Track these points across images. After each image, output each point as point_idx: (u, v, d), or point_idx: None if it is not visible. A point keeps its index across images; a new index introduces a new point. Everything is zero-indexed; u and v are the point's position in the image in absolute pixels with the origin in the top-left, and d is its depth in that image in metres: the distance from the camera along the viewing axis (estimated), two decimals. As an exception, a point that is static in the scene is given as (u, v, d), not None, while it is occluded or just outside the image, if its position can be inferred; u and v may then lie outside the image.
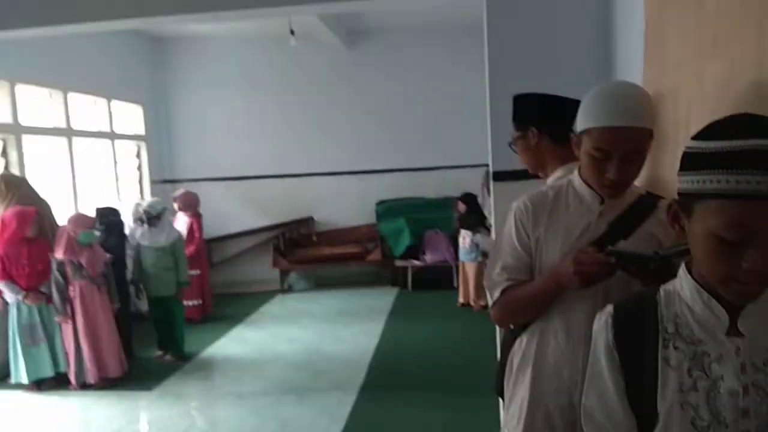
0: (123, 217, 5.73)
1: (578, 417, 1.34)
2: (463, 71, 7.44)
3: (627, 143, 1.37)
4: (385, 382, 4.55)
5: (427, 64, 7.81)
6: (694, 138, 0.95)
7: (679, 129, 1.67)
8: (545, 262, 1.49)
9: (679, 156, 0.97)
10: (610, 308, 1.09)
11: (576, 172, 1.54)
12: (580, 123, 1.44)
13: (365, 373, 4.71)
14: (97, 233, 4.80)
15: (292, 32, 6.20)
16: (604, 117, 1.37)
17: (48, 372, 4.57)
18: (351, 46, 7.90)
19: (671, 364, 1.00)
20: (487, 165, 3.32)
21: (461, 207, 6.49)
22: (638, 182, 1.95)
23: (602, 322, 1.09)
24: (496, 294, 1.54)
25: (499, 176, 3.06)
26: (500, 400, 1.79)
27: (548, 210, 1.51)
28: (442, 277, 7.25)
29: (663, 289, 1.06)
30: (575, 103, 1.50)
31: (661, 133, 1.88)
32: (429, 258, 7.39)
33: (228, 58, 7.96)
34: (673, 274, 1.07)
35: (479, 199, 6.54)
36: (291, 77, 7.96)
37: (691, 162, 0.94)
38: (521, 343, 1.57)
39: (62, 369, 4.61)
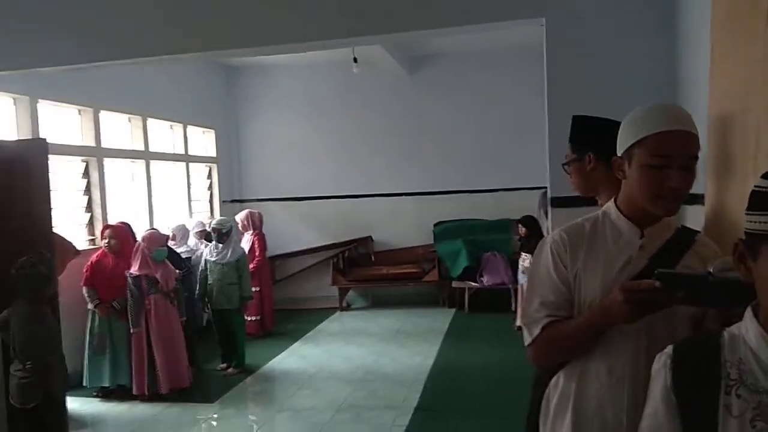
0: (186, 235, 6.13)
1: None
2: (522, 94, 7.44)
3: (687, 147, 1.35)
4: (440, 404, 4.57)
5: (487, 88, 7.86)
6: (765, 176, 0.93)
7: (748, 161, 1.63)
8: (585, 298, 1.43)
9: (747, 189, 0.96)
10: (669, 349, 1.05)
11: (611, 203, 1.50)
12: (628, 138, 1.40)
13: (420, 394, 4.75)
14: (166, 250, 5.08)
15: (355, 60, 6.41)
16: (662, 122, 1.35)
17: (105, 382, 4.83)
18: (412, 72, 8.07)
19: (733, 413, 0.95)
20: (545, 187, 3.34)
21: (522, 230, 6.46)
22: (704, 212, 1.94)
23: (661, 363, 1.05)
24: (536, 331, 1.45)
25: (558, 202, 3.07)
26: None
27: (585, 243, 1.46)
28: (499, 300, 7.20)
29: (727, 332, 1.01)
30: None
31: (727, 162, 1.85)
32: (487, 280, 7.36)
33: (294, 85, 8.30)
34: (726, 303, 1.04)
35: (540, 223, 6.48)
36: (353, 102, 8.20)
37: (759, 201, 0.91)
38: (558, 383, 1.50)
39: (122, 381, 4.84)
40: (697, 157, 1.38)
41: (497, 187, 7.87)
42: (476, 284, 7.40)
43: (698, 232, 1.49)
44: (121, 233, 5.04)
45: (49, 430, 3.27)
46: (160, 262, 4.88)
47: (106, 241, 4.94)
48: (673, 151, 1.34)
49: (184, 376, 4.90)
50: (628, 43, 3.02)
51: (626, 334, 1.36)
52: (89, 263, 4.92)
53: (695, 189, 2.68)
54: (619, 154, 1.45)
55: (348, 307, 8.08)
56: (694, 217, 2.60)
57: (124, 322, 4.83)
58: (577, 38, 3.08)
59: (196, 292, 5.49)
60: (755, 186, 0.94)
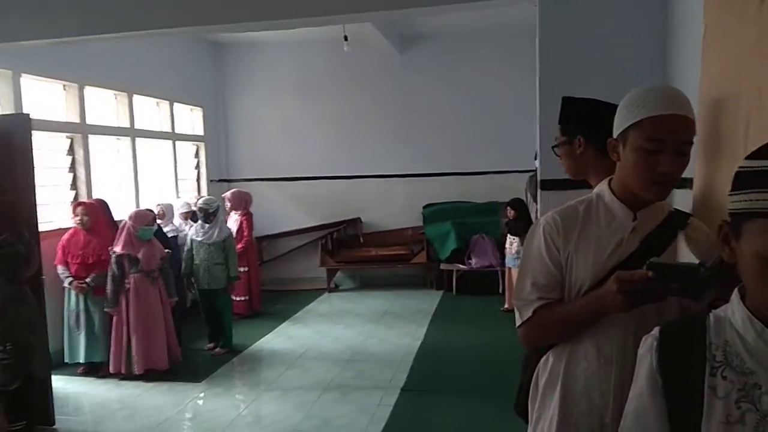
0: (172, 215, 6.08)
1: None
2: (513, 76, 7.41)
3: (682, 132, 1.35)
4: (427, 385, 4.61)
5: (478, 69, 7.82)
6: (748, 157, 0.93)
7: (738, 143, 1.61)
8: (575, 279, 1.44)
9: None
10: (656, 331, 1.05)
11: (605, 185, 1.50)
12: (624, 121, 1.39)
13: (407, 375, 4.78)
14: (154, 229, 5.01)
15: (345, 38, 6.33)
16: (659, 106, 1.34)
17: (80, 359, 4.84)
18: (403, 51, 8.00)
19: (718, 394, 0.95)
20: (534, 170, 3.34)
21: (510, 212, 6.47)
22: (692, 195, 1.93)
23: (647, 345, 1.05)
24: (527, 313, 1.47)
25: (547, 184, 3.06)
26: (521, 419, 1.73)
27: (578, 226, 1.46)
28: (487, 282, 7.24)
29: (713, 315, 1.01)
30: None
31: (717, 145, 1.85)
32: (475, 262, 7.39)
33: (283, 63, 8.19)
34: (719, 294, 1.04)
35: (530, 206, 6.50)
36: (343, 81, 8.11)
37: (741, 181, 0.91)
38: (547, 362, 1.51)
39: (96, 359, 4.86)
40: (691, 142, 1.37)
41: (487, 169, 7.86)
42: (464, 266, 7.43)
43: (691, 215, 1.49)
44: (94, 210, 4.97)
45: (33, 410, 3.25)
46: (146, 240, 4.83)
47: (79, 218, 4.88)
48: (666, 135, 1.33)
49: (161, 357, 4.82)
50: (621, 23, 2.99)
51: (616, 317, 1.36)
52: (62, 241, 4.87)
53: (685, 173, 2.69)
54: (614, 136, 1.45)
55: (336, 288, 8.09)
56: (682, 201, 2.60)
57: (99, 298, 4.81)
58: (569, 18, 3.05)
59: (182, 271, 5.45)
60: (739, 167, 0.94)
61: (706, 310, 1.04)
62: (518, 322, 1.51)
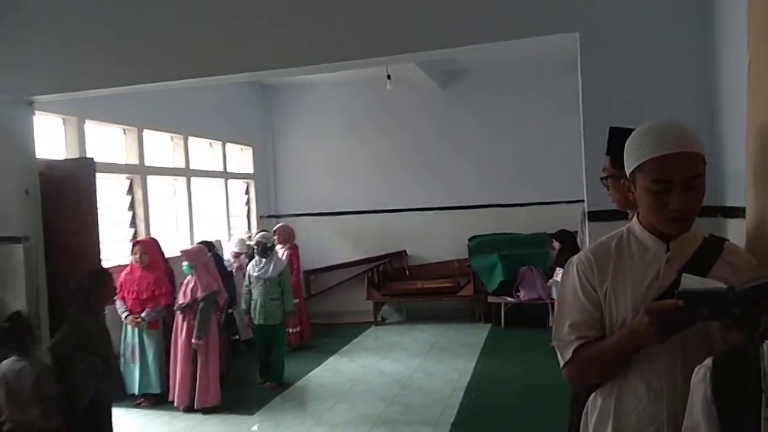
0: (221, 250, 6.26)
1: None
2: (556, 107, 7.41)
3: (686, 169, 1.34)
4: (476, 421, 4.54)
5: (520, 101, 7.87)
6: None
7: None
8: (616, 317, 1.43)
9: None
10: (708, 361, 1.06)
11: (635, 219, 1.50)
12: (631, 163, 1.42)
13: (456, 411, 4.72)
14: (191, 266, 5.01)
15: (389, 77, 6.50)
16: (659, 147, 1.35)
17: (134, 390, 4.97)
18: (445, 87, 8.13)
19: None
20: (582, 201, 3.33)
21: (555, 244, 6.39)
22: (746, 225, 1.91)
23: (701, 375, 1.06)
24: (568, 354, 1.47)
25: (595, 216, 3.06)
26: None
27: (612, 262, 1.46)
28: (536, 315, 7.11)
29: (767, 344, 1.02)
30: None
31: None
32: (523, 295, 7.29)
33: (328, 103, 8.45)
34: (750, 314, 1.04)
35: (578, 235, 6.40)
36: (386, 118, 8.29)
37: None
38: (596, 401, 1.50)
39: (150, 390, 5.01)
40: (700, 175, 1.37)
41: (532, 201, 7.82)
42: (512, 299, 7.33)
43: (726, 240, 1.47)
44: (150, 247, 5.20)
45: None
46: (188, 275, 4.99)
47: (138, 256, 5.10)
48: (672, 176, 1.34)
49: (183, 395, 4.85)
50: (663, 51, 3.00)
51: (662, 349, 1.35)
52: (120, 278, 5.06)
53: (735, 202, 2.64)
54: (627, 176, 1.46)
55: (382, 322, 8.10)
56: (736, 230, 2.55)
57: (153, 332, 5.01)
58: (610, 51, 3.08)
59: (241, 307, 5.59)
60: None
61: (759, 340, 1.03)
62: (561, 363, 1.51)
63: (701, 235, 1.46)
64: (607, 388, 1.46)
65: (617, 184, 1.87)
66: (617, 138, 1.90)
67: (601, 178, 2.26)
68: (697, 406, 1.05)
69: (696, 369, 1.09)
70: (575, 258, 1.53)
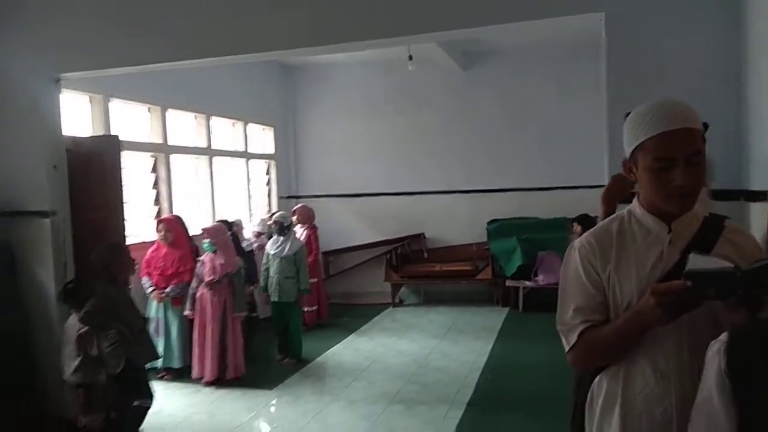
0: (242, 230, 6.35)
1: None
2: (579, 91, 7.33)
3: (687, 145, 1.34)
4: (492, 401, 4.58)
5: (542, 84, 7.78)
6: None
7: None
8: (621, 299, 1.43)
9: None
10: (724, 336, 1.07)
11: (635, 201, 1.50)
12: (631, 142, 1.41)
13: (472, 390, 4.77)
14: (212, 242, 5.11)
15: (410, 58, 6.47)
16: (659, 124, 1.35)
17: (157, 364, 5.04)
18: (466, 68, 8.06)
19: None
20: (603, 185, 3.31)
21: (577, 228, 6.34)
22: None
23: (715, 348, 1.07)
24: (573, 338, 1.48)
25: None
26: None
27: (614, 245, 1.46)
28: (554, 299, 7.05)
29: None
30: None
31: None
32: (542, 279, 7.27)
33: (349, 83, 8.44)
34: (761, 297, 1.04)
35: (598, 220, 6.35)
36: (407, 99, 8.26)
37: None
38: (602, 383, 1.50)
39: (173, 365, 5.15)
40: (701, 152, 1.36)
41: (552, 185, 7.76)
42: (531, 283, 7.33)
43: (726, 217, 1.46)
44: (174, 225, 5.31)
45: (136, 392, 3.66)
46: (211, 252, 5.09)
47: (162, 233, 5.20)
48: (674, 152, 1.34)
49: (211, 368, 4.98)
50: (691, 35, 2.96)
51: (668, 331, 1.35)
52: (146, 256, 5.20)
53: (760, 185, 2.60)
54: (626, 158, 1.46)
55: (400, 303, 8.16)
56: (759, 214, 2.53)
57: (177, 308, 5.14)
58: (636, 32, 3.04)
59: (260, 284, 5.74)
60: None
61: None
62: (566, 348, 1.51)
63: (701, 214, 1.45)
64: (612, 371, 1.46)
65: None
66: None
67: (623, 163, 2.26)
68: (711, 380, 1.06)
69: (711, 343, 1.09)
70: (576, 242, 1.52)
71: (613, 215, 1.54)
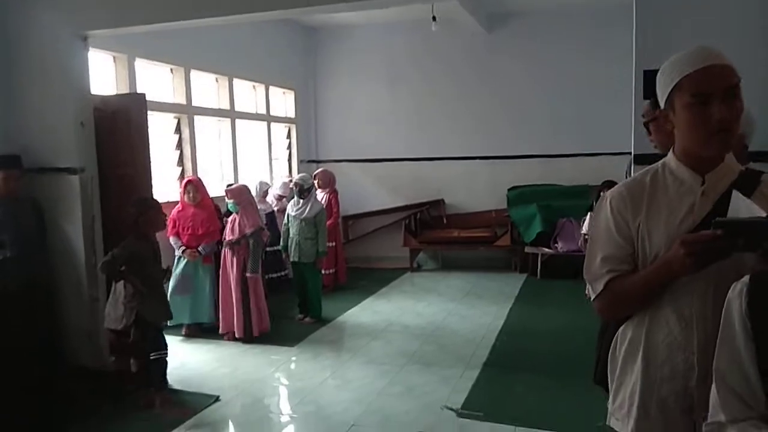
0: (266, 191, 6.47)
1: (694, 402, 1.38)
2: (604, 55, 7.18)
3: (723, 78, 1.34)
4: (508, 362, 4.65)
5: (567, 48, 7.63)
6: None
7: None
8: (650, 250, 1.43)
9: None
10: (746, 278, 1.09)
11: (670, 154, 1.49)
12: (666, 86, 1.41)
13: (488, 352, 4.84)
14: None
15: (434, 18, 6.39)
16: (693, 62, 1.36)
17: (185, 320, 5.25)
18: (490, 30, 7.93)
19: None
20: (629, 153, 3.28)
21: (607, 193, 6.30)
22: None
23: (737, 290, 1.09)
24: (599, 287, 1.49)
25: (640, 159, 3.03)
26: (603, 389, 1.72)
27: (646, 196, 1.46)
28: (573, 267, 7.08)
29: None
30: None
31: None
32: (561, 246, 7.27)
33: (371, 45, 8.36)
34: None
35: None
36: (430, 62, 8.17)
37: None
38: (627, 331, 1.52)
39: (203, 320, 5.31)
40: (737, 86, 1.36)
41: (575, 152, 7.68)
42: (550, 250, 7.33)
43: (763, 172, 1.44)
44: (200, 186, 5.40)
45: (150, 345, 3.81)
46: (234, 212, 5.17)
47: (190, 194, 5.28)
48: (711, 86, 1.34)
49: (229, 325, 5.17)
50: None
51: (694, 279, 1.36)
52: (172, 215, 5.27)
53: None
54: (662, 107, 1.45)
55: (419, 268, 8.23)
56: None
57: (208, 266, 5.27)
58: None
59: (280, 245, 5.85)
60: None
61: None
62: (592, 296, 1.53)
63: (737, 168, 1.44)
64: (637, 319, 1.48)
65: (659, 128, 1.87)
66: (654, 81, 1.91)
67: (644, 124, 2.25)
68: (732, 320, 1.08)
69: (733, 285, 1.11)
70: (609, 193, 1.52)
71: (647, 168, 1.53)
